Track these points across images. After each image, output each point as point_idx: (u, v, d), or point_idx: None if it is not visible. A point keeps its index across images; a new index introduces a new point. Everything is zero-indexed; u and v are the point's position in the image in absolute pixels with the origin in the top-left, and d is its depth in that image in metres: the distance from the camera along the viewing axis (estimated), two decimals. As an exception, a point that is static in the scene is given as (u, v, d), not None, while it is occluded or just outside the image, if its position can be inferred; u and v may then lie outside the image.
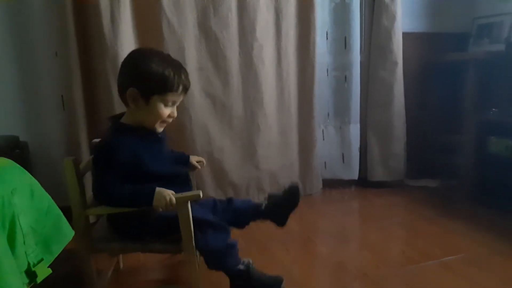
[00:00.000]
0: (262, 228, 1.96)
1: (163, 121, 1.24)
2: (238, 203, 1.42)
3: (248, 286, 1.29)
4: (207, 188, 2.16)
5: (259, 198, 2.31)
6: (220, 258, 1.26)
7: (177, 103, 1.24)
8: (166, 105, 1.20)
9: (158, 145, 1.29)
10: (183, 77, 1.20)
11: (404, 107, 2.50)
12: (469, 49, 2.61)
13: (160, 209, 1.15)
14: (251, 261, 1.33)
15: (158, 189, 1.15)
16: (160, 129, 1.26)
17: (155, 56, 1.19)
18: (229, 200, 1.42)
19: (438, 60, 2.60)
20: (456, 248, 1.69)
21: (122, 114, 1.27)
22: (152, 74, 1.15)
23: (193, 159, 1.51)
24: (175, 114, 1.24)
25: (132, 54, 1.24)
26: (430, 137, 2.68)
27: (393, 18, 2.35)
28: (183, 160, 1.48)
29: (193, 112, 2.06)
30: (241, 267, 1.29)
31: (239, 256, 1.31)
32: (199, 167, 1.52)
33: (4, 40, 1.91)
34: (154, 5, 1.92)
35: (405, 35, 2.42)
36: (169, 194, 1.14)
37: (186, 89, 1.23)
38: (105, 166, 1.16)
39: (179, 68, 1.21)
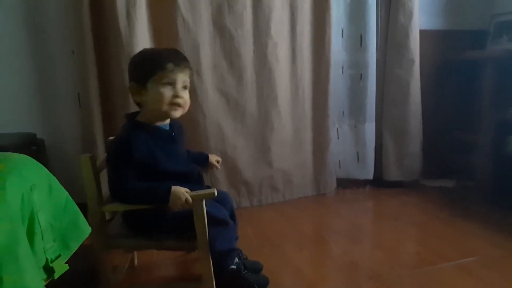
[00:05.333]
0: (275, 227, 1.97)
1: (172, 104, 1.23)
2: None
3: (234, 285, 1.31)
4: (221, 186, 2.16)
5: (272, 197, 2.31)
6: (222, 260, 1.27)
7: (180, 84, 1.24)
8: (165, 87, 1.21)
9: (172, 143, 1.30)
10: (171, 55, 1.23)
11: (420, 106, 2.46)
12: (487, 47, 2.55)
13: (176, 209, 1.16)
14: (239, 261, 1.35)
15: (173, 188, 1.16)
16: (174, 113, 1.25)
17: (147, 51, 1.29)
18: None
19: (455, 58, 2.56)
20: (472, 250, 1.67)
21: (137, 112, 1.30)
22: (140, 62, 1.24)
23: (212, 158, 1.52)
24: (182, 95, 1.24)
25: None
26: (447, 137, 2.64)
27: (410, 15, 2.31)
28: (202, 159, 1.49)
29: (206, 109, 2.06)
30: (233, 267, 1.31)
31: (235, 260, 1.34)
32: (218, 166, 1.53)
33: (21, 39, 1.94)
34: (169, 3, 1.92)
35: (422, 32, 2.38)
36: (185, 193, 1.15)
37: (179, 66, 1.23)
38: (121, 162, 1.18)
39: (167, 50, 1.26)
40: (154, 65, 1.20)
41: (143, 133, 1.22)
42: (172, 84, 1.22)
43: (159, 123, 1.28)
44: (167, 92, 1.21)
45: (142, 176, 1.18)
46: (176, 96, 1.23)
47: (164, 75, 1.21)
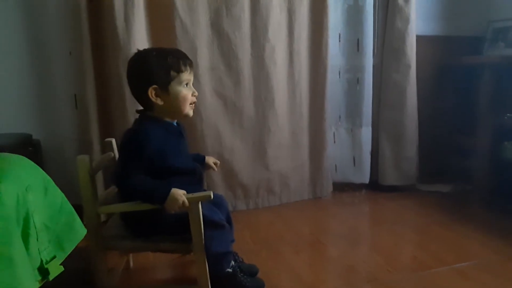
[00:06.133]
0: (272, 230, 1.97)
1: (191, 103, 1.28)
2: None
3: None
4: (217, 189, 2.15)
5: (269, 200, 2.31)
6: (218, 262, 1.27)
7: (191, 82, 1.29)
8: (184, 88, 1.25)
9: (181, 139, 1.32)
10: (183, 56, 1.27)
11: (417, 111, 2.47)
12: (484, 53, 2.57)
13: (172, 211, 1.15)
14: (235, 264, 1.35)
15: (172, 190, 1.15)
16: (191, 112, 1.29)
17: (152, 51, 1.26)
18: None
19: (452, 63, 2.57)
20: (470, 254, 1.67)
21: (146, 109, 1.29)
22: (160, 66, 1.22)
23: (209, 160, 1.52)
24: (196, 92, 1.30)
25: (133, 63, 1.26)
26: (443, 141, 2.65)
27: (407, 20, 2.33)
28: (199, 160, 1.49)
29: (204, 112, 2.06)
30: (229, 270, 1.31)
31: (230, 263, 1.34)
32: (215, 168, 1.53)
33: (18, 40, 1.93)
34: (167, 5, 1.92)
35: (419, 38, 2.40)
36: (182, 195, 1.15)
37: (191, 66, 1.27)
38: (131, 154, 1.18)
39: (176, 51, 1.28)
40: (176, 68, 1.22)
41: (156, 128, 1.23)
42: (188, 83, 1.27)
43: (169, 120, 1.30)
44: (188, 91, 1.26)
45: (150, 170, 1.19)
46: (194, 94, 1.28)
47: (184, 77, 1.24)
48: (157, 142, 1.20)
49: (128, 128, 1.27)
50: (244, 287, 1.31)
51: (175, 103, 1.24)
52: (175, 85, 1.23)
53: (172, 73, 1.22)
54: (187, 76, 1.25)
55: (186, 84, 1.25)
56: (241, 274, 1.34)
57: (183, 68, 1.23)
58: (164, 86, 1.22)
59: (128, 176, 1.16)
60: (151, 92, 1.21)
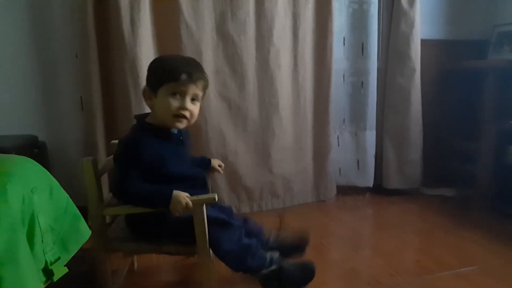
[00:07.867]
0: (275, 232, 1.96)
1: (177, 115, 1.20)
2: (251, 225, 1.44)
3: (280, 286, 1.29)
4: (221, 191, 2.16)
5: (272, 203, 2.31)
6: (237, 258, 1.26)
7: (190, 96, 1.21)
8: (174, 97, 1.19)
9: (179, 146, 1.31)
10: (187, 65, 1.21)
11: (421, 114, 2.47)
12: (488, 57, 2.56)
13: (177, 214, 1.16)
14: (275, 257, 1.33)
15: (175, 192, 1.16)
16: (178, 124, 1.23)
17: (165, 57, 1.29)
18: (245, 220, 1.44)
19: (456, 67, 2.56)
20: (473, 259, 1.66)
21: (147, 114, 1.30)
22: (156, 68, 1.24)
23: (215, 162, 1.52)
24: (188, 107, 1.21)
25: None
26: (448, 145, 2.64)
27: (411, 24, 2.33)
28: (205, 164, 1.49)
29: (208, 115, 2.07)
30: (272, 267, 1.29)
31: (263, 256, 1.31)
32: (221, 171, 1.53)
33: (25, 42, 1.95)
34: (173, 9, 1.94)
35: (424, 41, 2.40)
36: (185, 197, 1.16)
37: (192, 78, 1.19)
38: (128, 163, 1.18)
39: (186, 60, 1.26)
40: (167, 74, 1.19)
41: (151, 135, 1.22)
42: (182, 95, 1.20)
43: (165, 127, 1.28)
44: (174, 102, 1.19)
45: (148, 178, 1.18)
46: (182, 108, 1.20)
47: (175, 85, 1.19)
48: (153, 149, 1.20)
49: (122, 137, 1.26)
50: (293, 281, 1.31)
51: (159, 109, 1.22)
52: (163, 91, 1.19)
53: (164, 79, 1.19)
54: (181, 87, 1.19)
55: (179, 94, 1.19)
56: (284, 266, 1.31)
57: (176, 77, 1.17)
58: (153, 89, 1.21)
59: (128, 185, 1.16)
60: (144, 91, 1.25)
